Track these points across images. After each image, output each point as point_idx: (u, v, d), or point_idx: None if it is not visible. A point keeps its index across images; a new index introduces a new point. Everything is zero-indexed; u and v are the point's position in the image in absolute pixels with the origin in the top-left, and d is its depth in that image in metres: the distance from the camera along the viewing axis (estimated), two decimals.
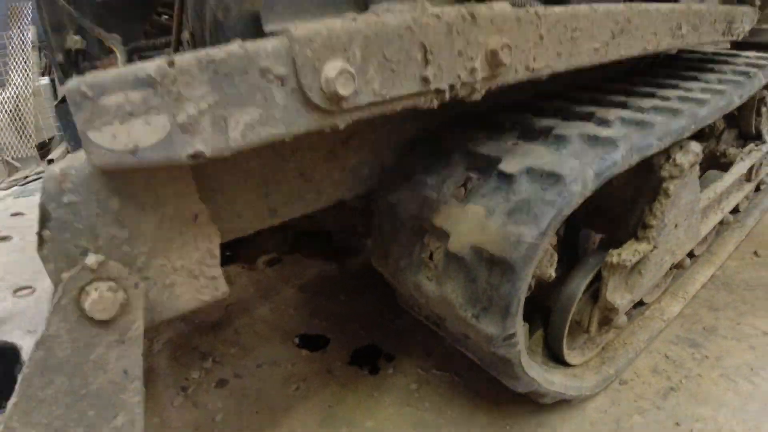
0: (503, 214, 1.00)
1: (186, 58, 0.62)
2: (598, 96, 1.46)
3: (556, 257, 1.14)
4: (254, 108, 0.67)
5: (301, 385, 1.56)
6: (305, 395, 1.52)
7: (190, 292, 0.89)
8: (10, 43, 4.17)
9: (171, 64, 0.62)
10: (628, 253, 1.29)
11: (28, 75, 4.15)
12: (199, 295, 0.90)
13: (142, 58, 1.24)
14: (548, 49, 0.98)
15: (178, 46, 0.98)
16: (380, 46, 0.73)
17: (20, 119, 4.08)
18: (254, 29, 0.77)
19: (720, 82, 1.66)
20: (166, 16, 1.43)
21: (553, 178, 1.00)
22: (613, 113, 1.26)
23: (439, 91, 0.82)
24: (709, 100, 1.43)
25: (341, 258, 1.91)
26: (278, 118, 0.69)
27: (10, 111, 4.06)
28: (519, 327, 1.03)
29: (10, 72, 4.12)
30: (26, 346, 1.12)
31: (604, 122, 1.22)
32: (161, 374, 1.61)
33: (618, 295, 1.35)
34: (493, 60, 0.86)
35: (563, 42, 1.01)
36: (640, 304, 1.67)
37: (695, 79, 1.68)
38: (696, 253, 1.91)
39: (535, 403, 1.38)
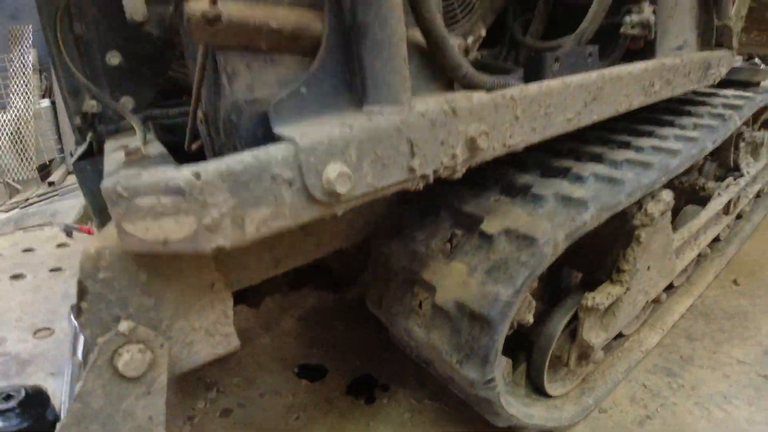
0: (483, 273, 1.15)
1: (210, 170, 0.77)
2: (577, 146, 1.61)
3: (534, 304, 1.29)
4: (266, 207, 0.81)
5: (302, 414, 1.70)
6: (306, 424, 1.67)
7: (207, 348, 1.04)
8: (10, 66, 4.32)
9: (197, 176, 0.76)
10: (602, 296, 1.44)
11: (28, 97, 4.29)
12: (214, 350, 1.05)
13: (155, 125, 1.39)
14: (523, 126, 1.13)
15: (195, 125, 1.12)
16: (373, 147, 0.88)
17: (21, 141, 4.23)
18: (264, 128, 0.92)
19: (695, 127, 1.81)
20: (182, 73, 1.57)
21: (527, 240, 1.15)
22: (588, 168, 1.41)
23: (424, 176, 0.97)
24: (680, 150, 1.58)
25: (339, 288, 2.06)
26: (286, 213, 0.83)
27: (11, 133, 4.20)
28: (498, 372, 1.18)
29: (11, 94, 4.27)
30: (51, 388, 1.26)
31: (578, 179, 1.37)
32: (169, 405, 1.75)
33: (594, 334, 1.50)
34: (472, 145, 1.01)
35: (537, 118, 1.17)
36: (620, 336, 1.82)
37: (671, 124, 1.83)
38: (675, 284, 2.06)
39: None
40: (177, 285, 0.97)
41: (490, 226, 1.21)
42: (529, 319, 1.28)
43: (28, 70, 4.31)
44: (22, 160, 4.20)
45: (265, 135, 0.92)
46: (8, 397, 1.21)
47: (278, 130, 0.89)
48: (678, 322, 2.03)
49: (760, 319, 2.08)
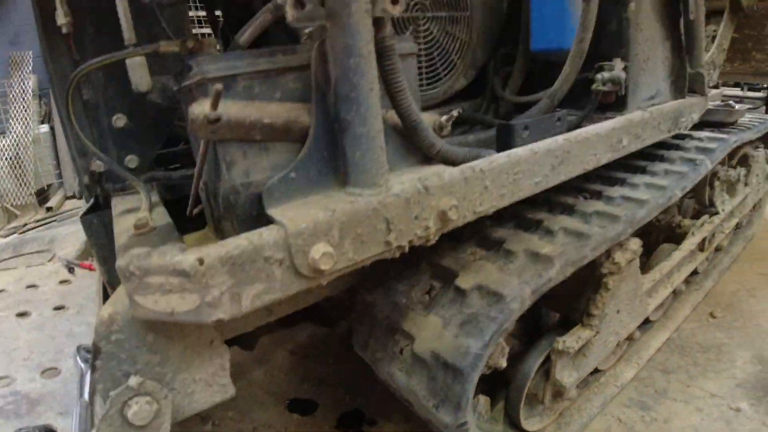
0: (456, 326, 1.30)
1: (211, 256, 0.92)
2: (552, 197, 1.76)
3: (507, 349, 1.44)
4: (260, 283, 0.97)
5: None
6: None
7: (206, 396, 1.19)
8: (10, 91, 4.49)
9: (201, 261, 0.91)
10: (572, 340, 1.59)
11: (28, 123, 4.46)
12: (212, 398, 1.20)
13: (158, 184, 1.54)
14: (492, 193, 1.29)
15: (197, 192, 1.28)
16: (353, 227, 1.04)
17: (20, 166, 4.39)
18: (258, 208, 1.07)
19: (666, 173, 1.96)
20: (182, 127, 1.72)
21: (496, 296, 1.30)
22: (559, 222, 1.57)
23: (399, 247, 1.13)
24: (648, 200, 1.73)
25: (329, 322, 2.20)
26: (277, 288, 0.99)
27: (10, 158, 4.37)
28: (470, 416, 1.33)
29: (11, 119, 4.44)
30: (61, 427, 1.40)
31: (549, 233, 1.53)
32: None
33: (566, 374, 1.65)
34: (443, 217, 1.17)
35: (506, 185, 1.32)
36: (596, 371, 1.97)
37: (643, 170, 1.99)
38: (651, 318, 2.21)
39: None
40: (180, 343, 1.12)
41: (464, 281, 1.37)
42: (502, 363, 1.43)
43: (28, 95, 4.49)
44: (20, 184, 4.36)
45: (259, 213, 1.08)
46: None
47: (271, 211, 1.05)
48: (654, 355, 2.18)
49: (734, 352, 2.23)
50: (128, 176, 1.37)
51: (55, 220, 3.97)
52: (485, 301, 1.31)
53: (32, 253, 3.36)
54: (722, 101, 2.59)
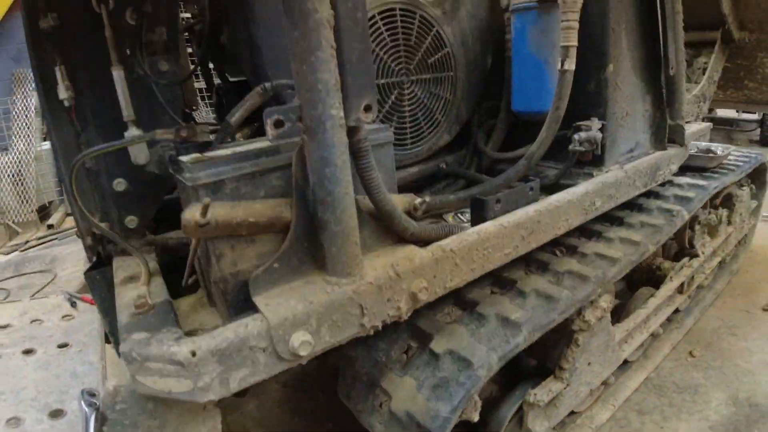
0: (429, 389, 1.46)
1: (203, 349, 1.09)
2: (529, 253, 1.91)
3: (479, 404, 1.60)
4: (246, 368, 1.13)
5: None
6: None
7: None
8: (13, 108, 4.67)
9: (193, 353, 1.08)
10: (542, 393, 1.75)
11: (30, 140, 4.65)
12: None
13: (156, 247, 1.71)
14: (462, 269, 1.45)
15: (192, 264, 1.45)
16: (330, 314, 1.20)
17: (22, 183, 4.58)
18: (245, 293, 1.23)
19: (642, 226, 2.11)
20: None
21: (465, 362, 1.46)
22: (531, 283, 1.72)
23: (373, 327, 1.29)
24: (620, 258, 1.88)
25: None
26: (261, 371, 1.15)
27: (12, 175, 4.56)
28: None
29: (13, 136, 4.62)
30: None
31: (521, 294, 1.69)
32: None
33: (537, 423, 1.81)
34: (415, 298, 1.33)
35: (476, 260, 1.48)
36: (572, 413, 2.13)
37: (620, 222, 2.13)
38: (630, 359, 2.36)
39: None
40: (176, 409, 1.29)
41: (438, 345, 1.53)
42: (474, 417, 1.59)
43: (31, 113, 4.67)
44: (22, 201, 4.56)
45: (246, 298, 1.24)
46: None
47: (256, 299, 1.21)
48: (631, 396, 2.33)
49: (710, 393, 2.38)
50: (128, 247, 1.54)
51: (56, 239, 4.16)
52: (456, 366, 1.47)
53: (34, 272, 3.55)
54: (704, 147, 2.71)
